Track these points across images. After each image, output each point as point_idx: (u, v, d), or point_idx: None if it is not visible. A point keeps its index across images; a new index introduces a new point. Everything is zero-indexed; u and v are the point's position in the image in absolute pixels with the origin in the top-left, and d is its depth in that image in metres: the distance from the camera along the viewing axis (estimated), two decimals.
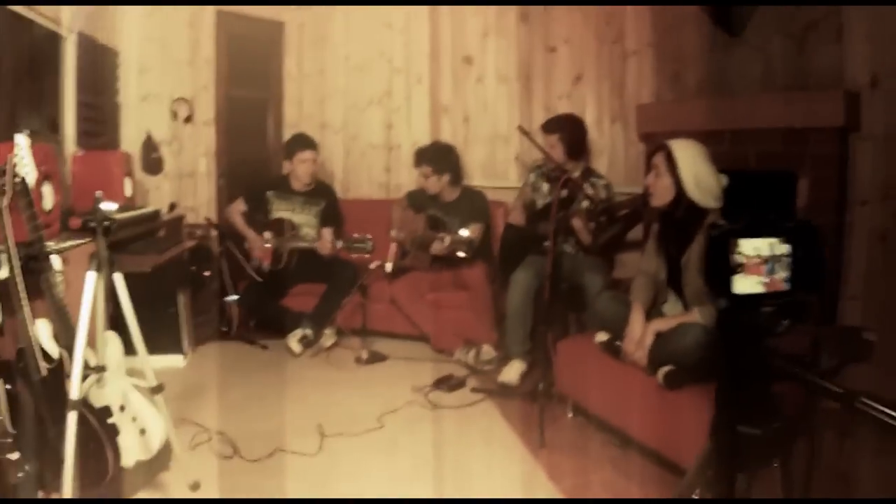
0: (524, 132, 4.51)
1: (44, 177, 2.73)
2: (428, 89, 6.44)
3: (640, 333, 3.59)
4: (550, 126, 4.95)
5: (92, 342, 2.73)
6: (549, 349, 4.14)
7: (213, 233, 5.69)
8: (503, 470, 3.55)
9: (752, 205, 4.26)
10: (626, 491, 3.35)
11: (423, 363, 5.05)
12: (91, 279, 2.50)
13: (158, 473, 3.19)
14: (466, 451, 3.78)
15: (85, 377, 2.69)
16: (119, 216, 3.96)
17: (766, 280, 1.72)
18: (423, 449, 3.78)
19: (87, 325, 2.50)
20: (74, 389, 2.49)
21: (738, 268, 1.69)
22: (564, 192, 4.27)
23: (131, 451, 2.99)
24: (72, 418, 2.50)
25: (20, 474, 2.65)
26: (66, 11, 4.67)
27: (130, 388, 3.07)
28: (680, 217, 3.55)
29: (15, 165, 2.52)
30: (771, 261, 1.73)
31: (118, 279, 2.55)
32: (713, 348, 3.24)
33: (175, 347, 4.99)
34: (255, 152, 6.64)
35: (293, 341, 5.19)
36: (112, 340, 3.02)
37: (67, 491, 2.63)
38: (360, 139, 6.73)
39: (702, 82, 4.89)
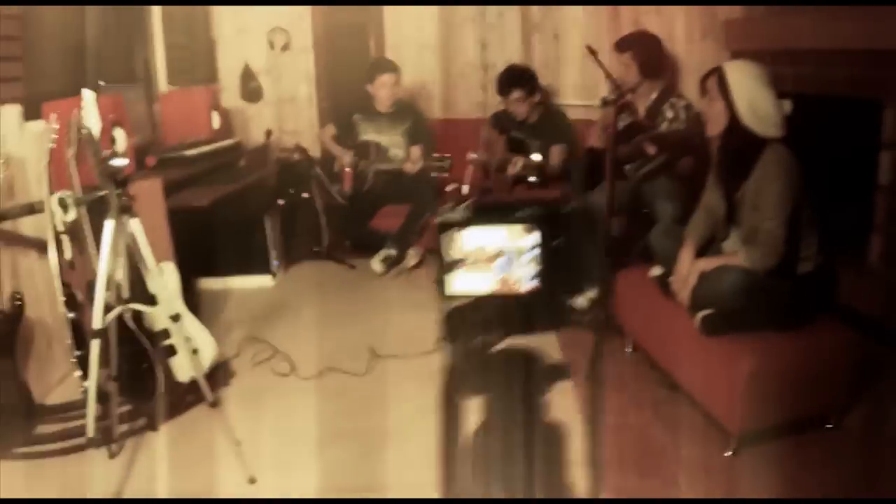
0: (592, 52, 4.32)
1: (112, 124, 2.97)
2: (518, 6, 6.40)
3: (686, 272, 3.40)
4: (623, 44, 4.82)
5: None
6: (610, 279, 4.09)
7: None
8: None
9: (827, 135, 4.16)
10: (658, 439, 3.29)
11: None
12: (108, 226, 2.72)
13: (218, 388, 3.55)
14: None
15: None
16: (192, 152, 4.29)
17: (498, 278, 1.56)
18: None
19: (105, 266, 2.72)
20: (97, 319, 2.73)
21: (455, 264, 1.54)
22: (626, 116, 4.22)
23: (184, 368, 3.37)
24: (94, 345, 2.76)
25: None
26: None
27: (185, 312, 3.38)
28: (735, 147, 3.30)
29: (81, 119, 2.76)
30: (508, 255, 1.55)
31: (135, 224, 2.76)
32: (753, 294, 3.18)
33: (263, 268, 5.28)
34: (357, 75, 6.63)
35: (376, 261, 5.39)
36: (168, 270, 3.42)
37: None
38: (457, 59, 6.74)
39: None
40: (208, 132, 4.90)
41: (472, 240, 1.57)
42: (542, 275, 1.61)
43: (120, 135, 3.40)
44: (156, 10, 5.18)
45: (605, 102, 4.19)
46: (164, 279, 3.21)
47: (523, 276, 1.61)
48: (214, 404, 3.08)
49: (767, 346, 3.09)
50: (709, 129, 3.41)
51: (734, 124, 3.23)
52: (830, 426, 3.26)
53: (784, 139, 3.21)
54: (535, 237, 1.58)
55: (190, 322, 3.45)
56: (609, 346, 3.98)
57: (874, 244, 4.04)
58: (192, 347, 3.33)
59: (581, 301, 4.49)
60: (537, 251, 1.60)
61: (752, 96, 3.18)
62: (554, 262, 1.60)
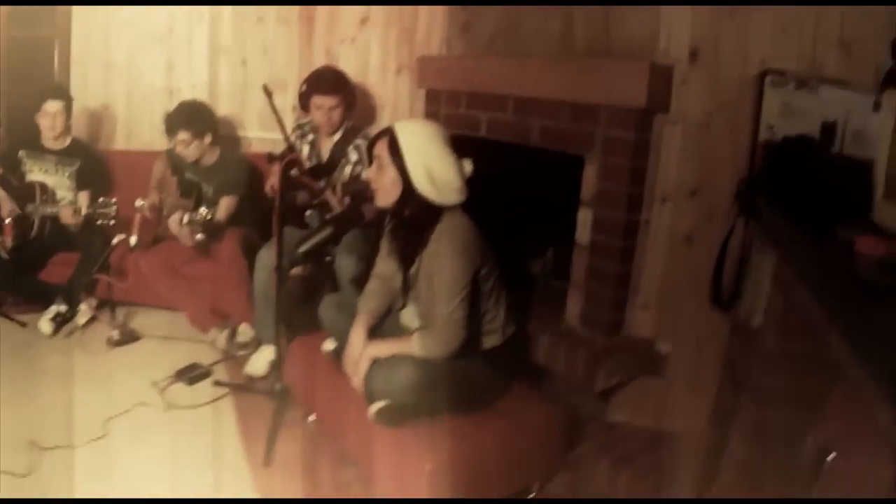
0: (267, 92, 3.99)
1: None
2: (208, 27, 6.10)
3: (357, 355, 3.18)
4: (329, 85, 4.53)
5: None
6: (283, 345, 3.86)
7: None
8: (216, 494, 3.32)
9: (526, 189, 4.14)
10: None
11: (180, 344, 4.79)
12: None
13: None
14: (183, 469, 3.52)
15: None
16: None
17: None
18: (137, 467, 3.51)
19: None
20: None
21: None
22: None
23: None
24: None
25: None
26: None
27: None
28: (409, 217, 3.13)
29: None
30: None
31: None
32: (433, 384, 3.01)
33: None
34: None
35: (44, 322, 4.89)
36: None
37: None
38: (142, 81, 6.34)
39: (494, 37, 4.50)
40: None
41: None
42: None
43: None
44: None
45: (270, 158, 3.94)
46: None
47: None
48: None
49: (453, 435, 2.98)
50: (378, 199, 3.16)
51: (408, 194, 3.04)
52: (533, 495, 3.25)
53: (464, 203, 3.10)
54: None
55: None
56: (290, 414, 3.77)
57: (572, 304, 4.02)
58: None
59: (258, 363, 4.31)
60: None
61: (429, 162, 3.00)
62: None
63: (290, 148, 4.00)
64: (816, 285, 1.63)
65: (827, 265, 1.61)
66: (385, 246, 3.41)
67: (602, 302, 3.84)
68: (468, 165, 3.09)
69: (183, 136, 4.91)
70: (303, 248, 3.38)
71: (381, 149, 3.07)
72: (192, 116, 4.98)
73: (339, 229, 3.54)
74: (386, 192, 3.10)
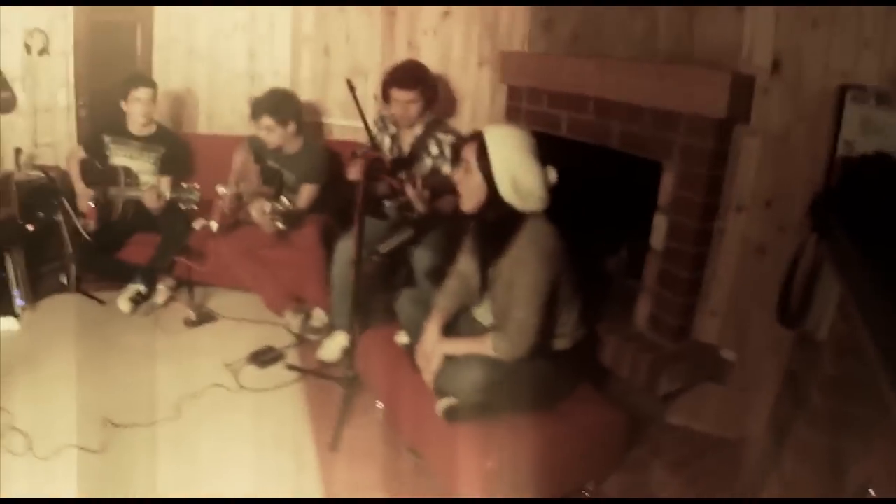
0: (351, 87, 4.05)
1: None
2: (290, 16, 6.22)
3: (430, 350, 3.26)
4: (410, 81, 4.53)
5: None
6: (356, 333, 3.92)
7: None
8: (278, 481, 3.40)
9: (600, 194, 4.16)
10: None
11: (255, 326, 4.95)
12: None
13: None
14: (251, 451, 3.63)
15: None
16: None
17: None
18: (208, 447, 3.62)
19: None
20: None
21: None
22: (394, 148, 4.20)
23: None
24: None
25: None
26: None
27: None
28: (492, 222, 3.15)
29: None
30: None
31: None
32: (502, 386, 3.08)
33: (6, 309, 4.86)
34: (120, 79, 6.31)
35: (123, 300, 5.06)
36: None
37: None
38: (224, 67, 6.50)
39: (576, 36, 4.52)
40: None
41: None
42: None
43: None
44: None
45: (353, 155, 4.03)
46: None
47: None
48: None
49: (515, 433, 3.05)
50: (463, 202, 3.19)
51: (493, 200, 3.06)
52: (587, 494, 3.30)
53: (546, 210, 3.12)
54: None
55: None
56: (359, 401, 3.88)
57: (641, 307, 4.07)
58: None
59: (331, 349, 4.39)
60: None
61: (516, 171, 3.01)
62: None
63: (374, 145, 4.15)
64: (873, 318, 1.63)
65: (888, 301, 1.60)
66: (467, 245, 3.45)
67: (671, 307, 3.89)
68: (552, 174, 3.11)
69: (267, 121, 5.02)
70: (384, 249, 3.50)
71: (469, 153, 3.09)
72: (277, 103, 5.07)
73: (420, 231, 3.70)
74: (471, 196, 3.13)
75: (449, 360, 3.20)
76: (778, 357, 3.07)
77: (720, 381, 3.77)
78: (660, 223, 3.88)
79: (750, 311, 3.60)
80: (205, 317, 5.03)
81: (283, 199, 4.61)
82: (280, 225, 4.58)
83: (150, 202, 5.09)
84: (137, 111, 5.35)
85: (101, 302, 5.24)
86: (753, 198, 3.55)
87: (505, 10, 5.09)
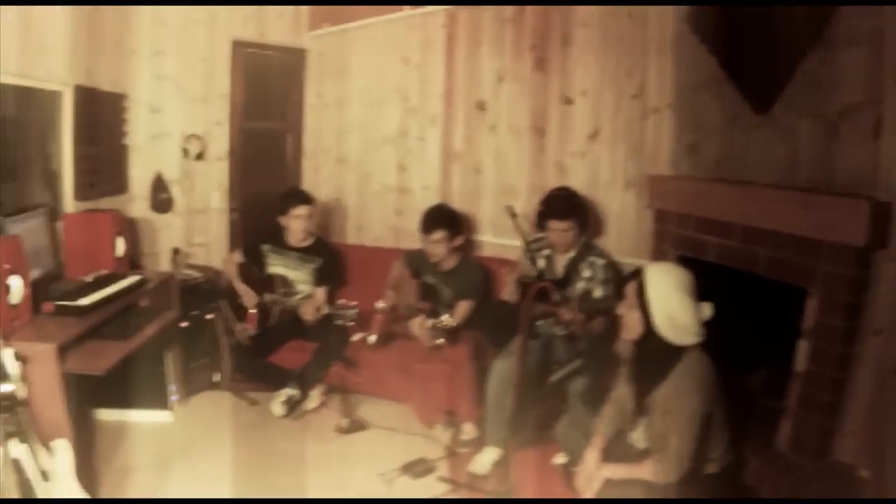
0: (512, 214, 4.38)
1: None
2: (441, 132, 6.59)
3: (592, 474, 3.49)
4: (563, 210, 4.89)
5: None
6: (510, 449, 4.19)
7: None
8: None
9: (747, 319, 4.31)
10: None
11: (405, 437, 5.13)
12: None
13: None
14: None
15: None
16: (87, 300, 4.24)
17: None
18: None
19: None
20: None
21: None
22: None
23: None
24: None
25: None
26: (61, 66, 4.95)
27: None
28: (650, 352, 3.43)
29: None
30: None
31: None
32: None
33: (161, 402, 5.27)
34: (272, 184, 6.88)
35: (277, 404, 5.38)
36: (61, 448, 3.28)
37: None
38: (374, 178, 6.94)
39: (721, 159, 4.76)
40: (111, 263, 4.89)
41: None
42: None
43: (16, 283, 3.44)
44: (67, 118, 5.12)
45: (523, 285, 4.39)
46: (57, 460, 3.21)
47: None
48: None
49: None
50: (624, 332, 3.53)
51: (650, 333, 3.36)
52: None
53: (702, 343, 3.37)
54: None
55: None
56: None
57: (783, 429, 4.25)
58: None
59: (483, 463, 4.56)
60: None
61: (671, 309, 3.30)
62: None
63: (541, 276, 4.54)
64: None
65: None
66: (624, 371, 3.70)
67: (813, 428, 4.06)
68: (707, 310, 3.39)
69: (439, 234, 5.42)
70: (554, 378, 3.76)
71: (630, 290, 3.43)
72: (450, 217, 5.53)
73: (588, 365, 4.08)
74: (631, 328, 3.46)
75: (609, 483, 3.46)
76: None
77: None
78: (803, 347, 4.08)
79: (886, 430, 3.73)
80: (356, 425, 5.28)
81: (445, 316, 4.92)
82: (440, 341, 4.84)
83: (307, 315, 5.52)
84: (297, 227, 5.81)
85: (253, 403, 5.62)
86: (891, 321, 3.71)
87: (650, 133, 5.40)
